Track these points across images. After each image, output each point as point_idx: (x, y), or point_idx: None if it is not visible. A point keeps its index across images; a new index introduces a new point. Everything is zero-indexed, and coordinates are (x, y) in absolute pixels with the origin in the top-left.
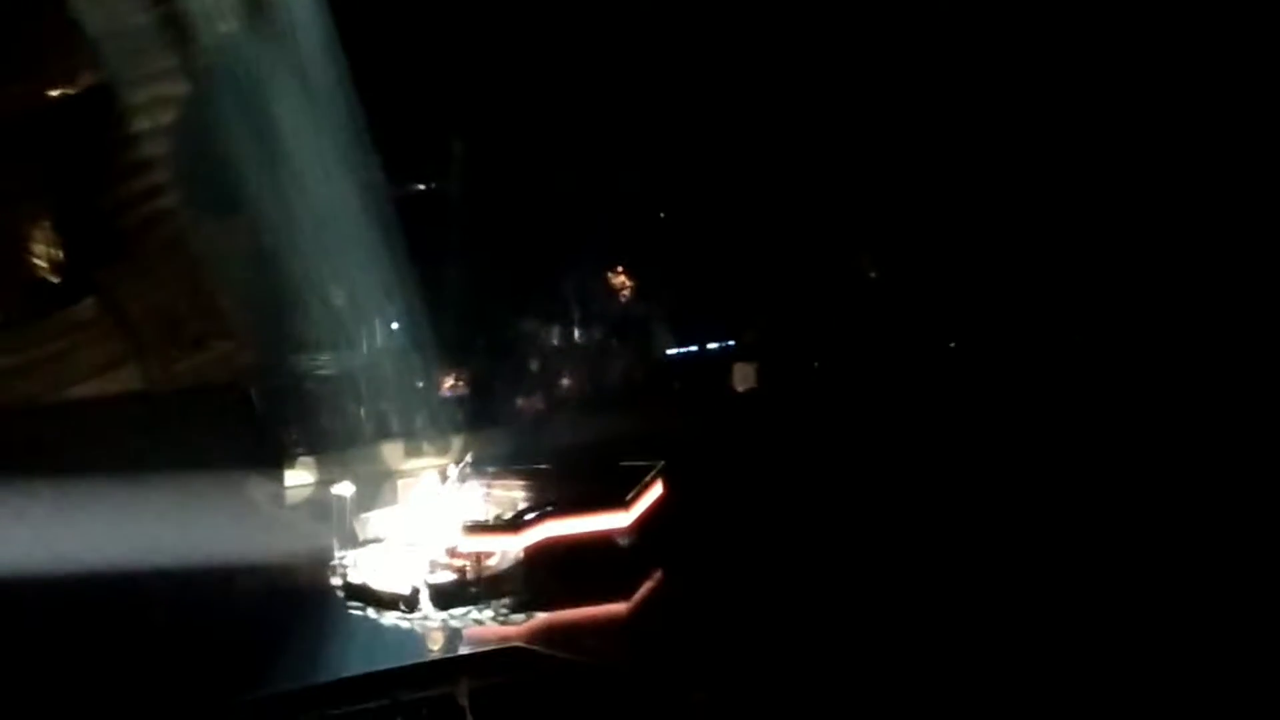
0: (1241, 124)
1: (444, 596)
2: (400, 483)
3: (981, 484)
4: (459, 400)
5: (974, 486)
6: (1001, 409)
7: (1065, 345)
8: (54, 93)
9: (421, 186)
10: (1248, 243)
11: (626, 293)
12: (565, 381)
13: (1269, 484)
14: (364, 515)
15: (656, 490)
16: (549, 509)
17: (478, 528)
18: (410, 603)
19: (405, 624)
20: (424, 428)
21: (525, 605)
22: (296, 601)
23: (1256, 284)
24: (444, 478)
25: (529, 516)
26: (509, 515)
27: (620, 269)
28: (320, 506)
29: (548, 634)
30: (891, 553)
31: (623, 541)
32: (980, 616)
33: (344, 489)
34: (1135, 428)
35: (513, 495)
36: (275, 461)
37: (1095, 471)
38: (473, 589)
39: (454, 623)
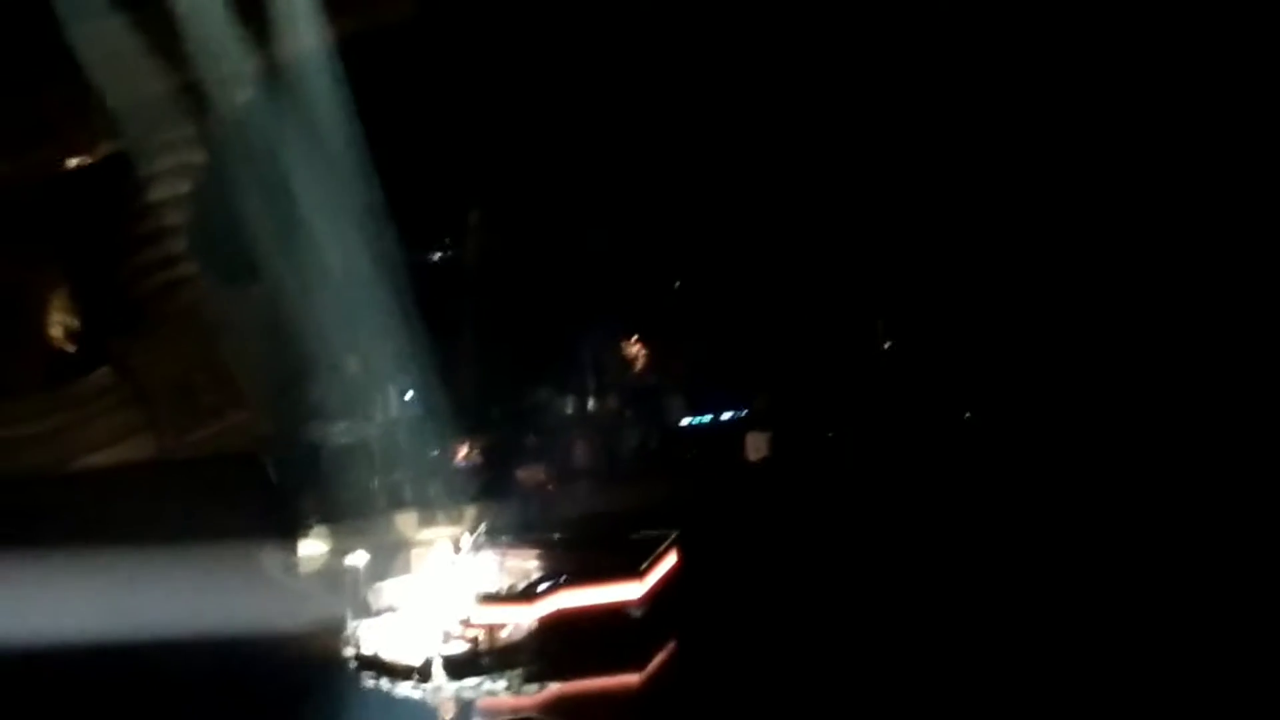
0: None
1: (457, 667)
2: (414, 552)
3: (997, 558)
4: (473, 470)
5: (989, 560)
6: (1018, 482)
7: (1082, 415)
8: (71, 161)
9: (437, 256)
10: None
11: (640, 362)
12: (579, 451)
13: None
14: (377, 585)
15: (670, 560)
16: (562, 579)
17: (491, 598)
18: (423, 673)
19: (418, 694)
20: (438, 497)
21: (538, 675)
22: (309, 672)
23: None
24: (457, 548)
25: (542, 587)
26: (522, 586)
27: (634, 339)
28: (333, 576)
29: (560, 704)
30: (907, 627)
31: (636, 612)
32: (1001, 698)
33: (357, 558)
34: (1157, 499)
35: (526, 565)
36: (289, 531)
37: (1113, 548)
38: (486, 659)
39: (467, 693)
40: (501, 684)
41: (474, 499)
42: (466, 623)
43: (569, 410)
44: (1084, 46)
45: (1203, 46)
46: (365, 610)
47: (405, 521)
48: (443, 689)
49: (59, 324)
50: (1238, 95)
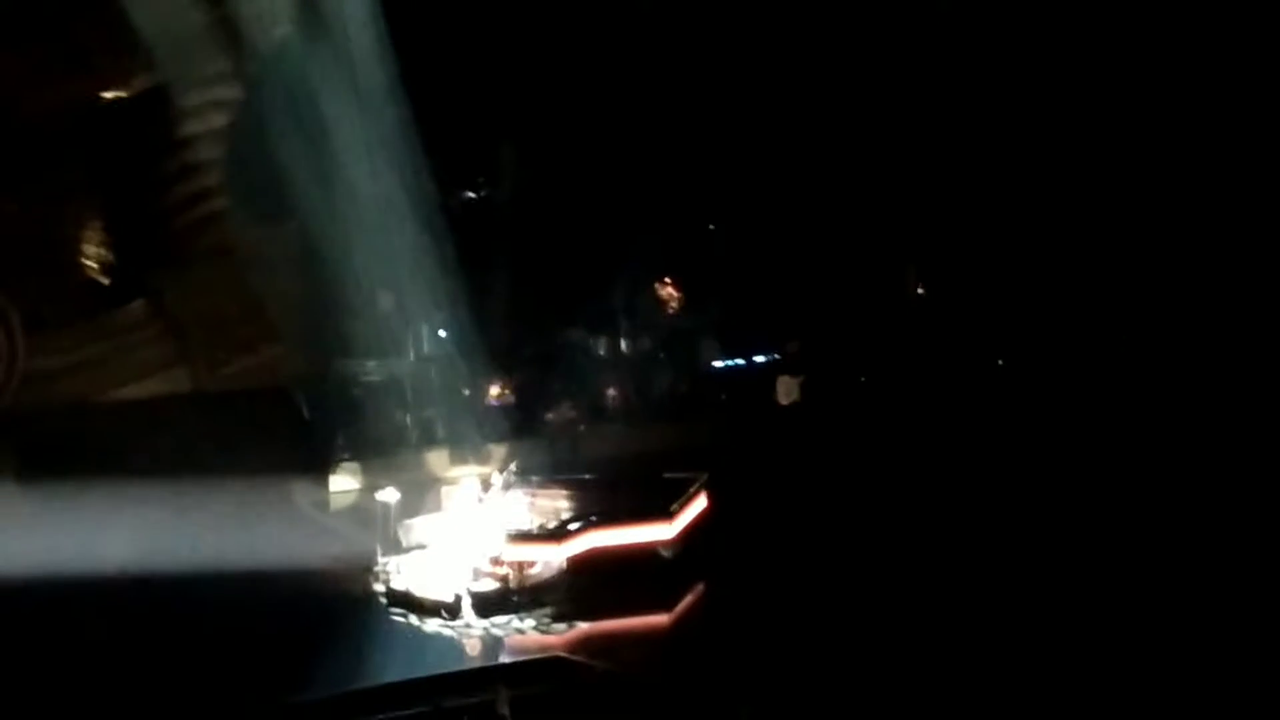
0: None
1: (486, 605)
2: (444, 490)
3: (1027, 502)
4: (504, 409)
5: (1019, 504)
6: (1049, 427)
7: (1113, 363)
8: (107, 94)
9: (471, 194)
10: None
11: (674, 304)
12: (611, 392)
13: None
14: (408, 522)
15: (700, 503)
16: (592, 519)
17: (521, 537)
18: (452, 610)
19: (447, 631)
20: (469, 436)
21: (567, 615)
22: (339, 607)
23: None
24: (488, 486)
25: (572, 527)
26: (552, 525)
27: (668, 281)
28: (364, 512)
29: (588, 644)
30: (936, 568)
31: (665, 553)
32: (1025, 630)
33: (388, 495)
34: (1184, 447)
35: (556, 505)
36: (320, 467)
37: (1143, 490)
38: (515, 598)
39: (495, 631)
40: (530, 622)
41: (505, 438)
42: (496, 561)
43: (601, 351)
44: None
45: None
46: (395, 546)
47: (436, 459)
48: (471, 626)
49: (94, 256)
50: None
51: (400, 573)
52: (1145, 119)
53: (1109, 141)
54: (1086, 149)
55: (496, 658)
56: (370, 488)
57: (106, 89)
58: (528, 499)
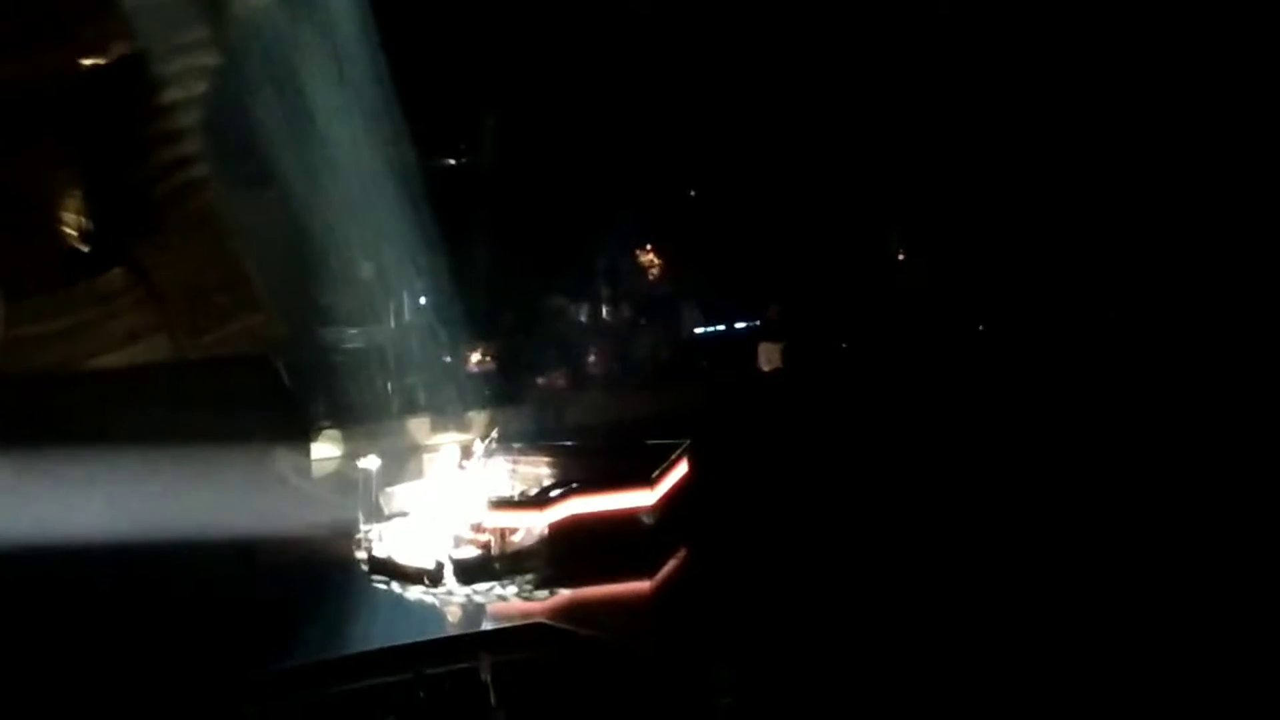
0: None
1: (468, 572)
2: (426, 457)
3: (1004, 471)
4: (486, 376)
5: (996, 473)
6: (1029, 395)
7: (1094, 331)
8: (86, 61)
9: (452, 161)
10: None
11: (655, 271)
12: (592, 359)
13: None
14: (389, 489)
15: (682, 469)
16: (574, 486)
17: (503, 504)
18: (434, 577)
19: (429, 598)
20: (450, 403)
21: (548, 581)
22: (320, 574)
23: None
24: (469, 453)
25: (554, 493)
26: (534, 492)
27: (649, 247)
28: (346, 480)
29: (570, 610)
30: (914, 535)
31: (647, 520)
32: (1002, 606)
33: (370, 463)
34: (1163, 418)
35: (538, 472)
36: (301, 434)
37: (1121, 464)
38: (497, 565)
39: (477, 598)
40: (512, 589)
41: (486, 405)
42: (478, 528)
43: (582, 318)
44: None
45: None
46: (377, 514)
47: (418, 426)
48: (453, 593)
49: (74, 224)
50: None
51: (382, 540)
52: (1131, 88)
53: (1093, 112)
54: (1069, 118)
55: (479, 624)
56: (352, 455)
57: (85, 56)
58: (509, 466)
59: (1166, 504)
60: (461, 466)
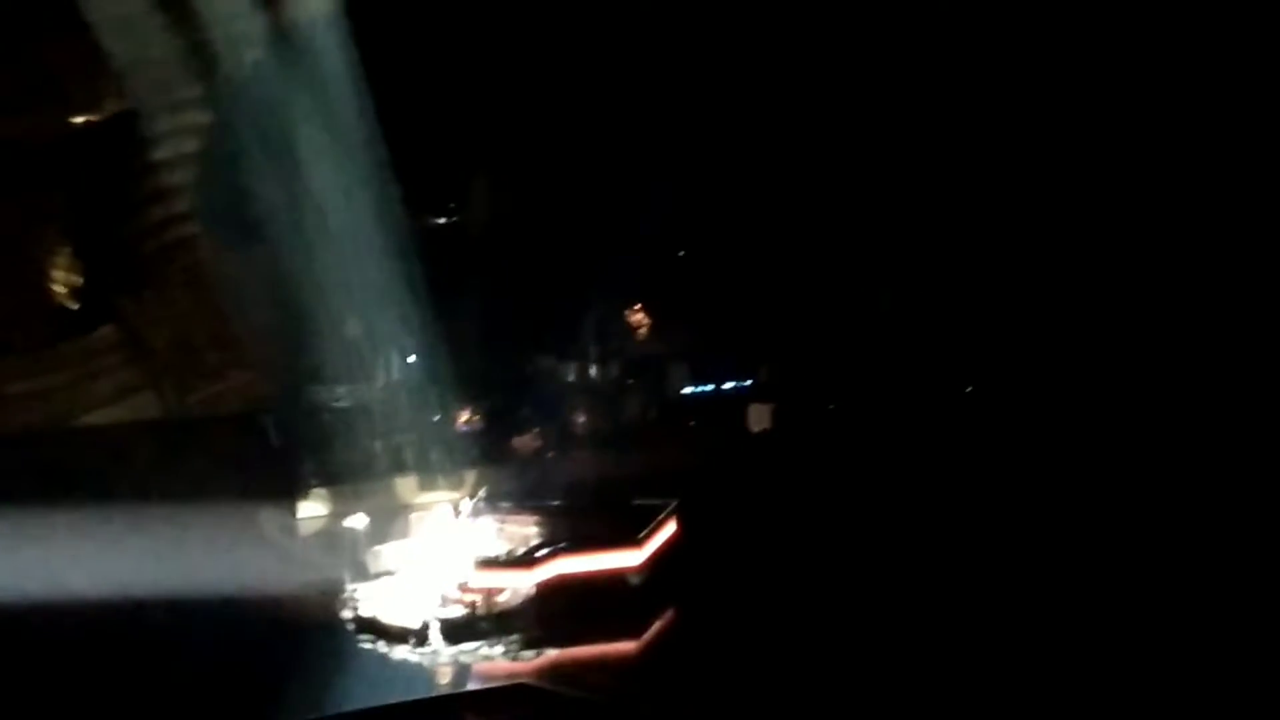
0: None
1: (454, 631)
2: (413, 516)
3: (995, 532)
4: (474, 435)
5: (986, 534)
6: (1017, 460)
7: (1085, 392)
8: (77, 119)
9: (442, 220)
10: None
11: (644, 331)
12: (580, 419)
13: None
14: (376, 548)
15: (669, 529)
16: (561, 546)
17: (489, 563)
18: (420, 637)
19: (414, 658)
20: (438, 462)
21: (535, 642)
22: (306, 633)
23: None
24: (457, 512)
25: (541, 553)
26: (521, 551)
27: (638, 307)
28: (332, 538)
29: (557, 671)
30: (906, 595)
31: (634, 580)
32: (996, 659)
33: (356, 521)
34: (1161, 481)
35: (525, 531)
36: (288, 493)
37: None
38: (483, 624)
39: (463, 658)
40: (499, 649)
41: (474, 464)
42: (464, 587)
43: (571, 377)
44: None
45: None
46: (363, 573)
47: (405, 485)
48: (439, 653)
49: (62, 281)
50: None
51: (368, 599)
52: (1114, 142)
53: (1081, 175)
54: (1056, 173)
55: (464, 684)
56: (338, 514)
57: (76, 114)
58: (496, 525)
59: (1160, 573)
60: (448, 526)
